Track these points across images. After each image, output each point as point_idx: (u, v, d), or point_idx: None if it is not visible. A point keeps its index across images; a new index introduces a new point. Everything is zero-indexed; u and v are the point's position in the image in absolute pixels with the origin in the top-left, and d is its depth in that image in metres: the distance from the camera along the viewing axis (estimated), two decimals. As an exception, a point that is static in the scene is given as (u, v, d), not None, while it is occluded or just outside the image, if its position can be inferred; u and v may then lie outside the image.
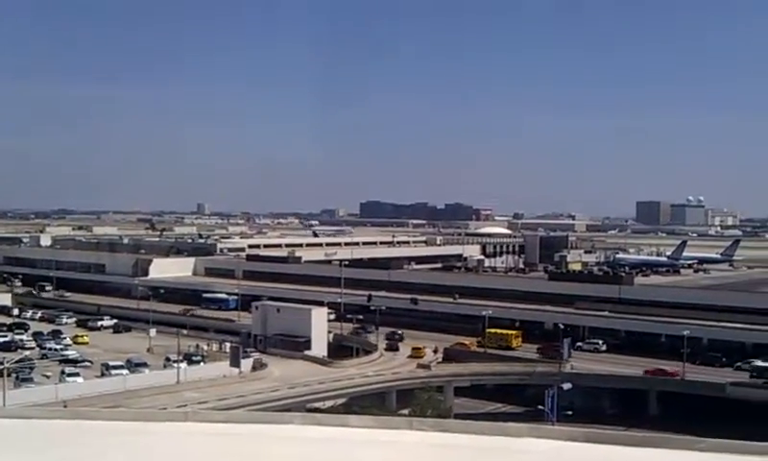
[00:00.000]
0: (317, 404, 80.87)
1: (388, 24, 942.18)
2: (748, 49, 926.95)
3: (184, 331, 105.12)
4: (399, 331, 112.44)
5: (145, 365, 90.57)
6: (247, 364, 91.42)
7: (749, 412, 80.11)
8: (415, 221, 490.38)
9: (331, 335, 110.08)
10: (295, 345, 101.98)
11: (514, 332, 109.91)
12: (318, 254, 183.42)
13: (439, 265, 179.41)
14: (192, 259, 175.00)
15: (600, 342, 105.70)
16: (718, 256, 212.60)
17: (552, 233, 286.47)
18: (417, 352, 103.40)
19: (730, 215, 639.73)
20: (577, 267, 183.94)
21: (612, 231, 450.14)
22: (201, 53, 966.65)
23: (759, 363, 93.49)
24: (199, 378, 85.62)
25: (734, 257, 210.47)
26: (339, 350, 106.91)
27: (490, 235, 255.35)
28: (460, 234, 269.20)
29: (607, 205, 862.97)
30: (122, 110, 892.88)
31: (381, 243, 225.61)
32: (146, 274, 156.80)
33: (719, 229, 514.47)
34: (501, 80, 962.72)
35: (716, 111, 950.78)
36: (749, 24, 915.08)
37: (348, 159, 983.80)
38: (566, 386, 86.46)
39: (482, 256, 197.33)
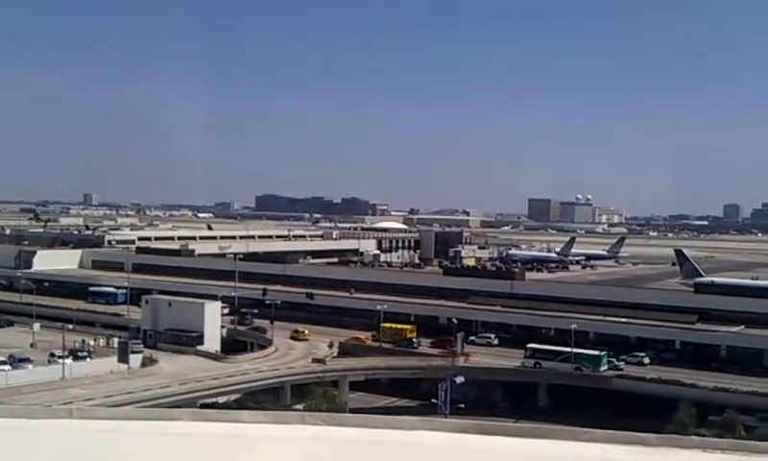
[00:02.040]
0: (210, 401, 79.58)
1: (286, 13, 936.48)
2: (635, 55, 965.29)
3: (70, 326, 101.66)
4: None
5: (28, 361, 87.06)
6: (136, 360, 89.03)
7: (633, 403, 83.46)
8: (311, 215, 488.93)
9: (225, 330, 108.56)
10: (187, 340, 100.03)
11: (408, 327, 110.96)
12: (212, 248, 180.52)
13: (335, 259, 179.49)
14: (79, 252, 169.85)
15: (492, 336, 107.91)
16: (605, 253, 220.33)
17: (447, 229, 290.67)
18: (298, 335, 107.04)
19: (616, 214, 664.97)
20: (471, 262, 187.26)
21: (505, 228, 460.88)
22: (91, 40, 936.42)
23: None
24: (85, 375, 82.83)
25: (620, 254, 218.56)
26: (233, 344, 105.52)
27: (386, 230, 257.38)
28: (356, 229, 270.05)
29: (500, 201, 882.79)
30: (3, 93, 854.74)
31: (277, 237, 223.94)
32: (29, 266, 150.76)
33: (606, 226, 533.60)
34: (397, 76, 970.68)
35: (605, 115, 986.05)
36: (638, 30, 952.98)
37: (244, 152, 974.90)
38: (459, 379, 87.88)
39: (378, 251, 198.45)
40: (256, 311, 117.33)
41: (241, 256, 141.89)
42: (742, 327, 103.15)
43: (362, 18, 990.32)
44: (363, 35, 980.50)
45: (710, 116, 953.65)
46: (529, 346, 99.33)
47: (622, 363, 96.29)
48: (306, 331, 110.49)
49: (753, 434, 70.30)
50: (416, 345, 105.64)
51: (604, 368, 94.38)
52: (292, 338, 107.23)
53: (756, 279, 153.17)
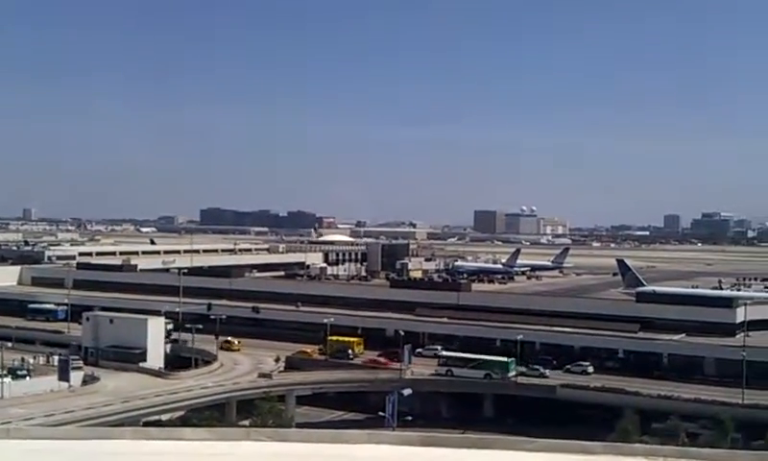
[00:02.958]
0: (153, 418, 78.24)
1: (225, 24, 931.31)
2: (576, 67, 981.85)
3: (9, 344, 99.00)
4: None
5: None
6: (77, 378, 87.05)
7: (577, 412, 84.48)
8: (257, 228, 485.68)
9: (169, 346, 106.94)
10: (129, 357, 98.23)
11: (355, 339, 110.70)
12: (155, 262, 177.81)
13: (281, 273, 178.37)
14: (18, 268, 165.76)
15: (439, 348, 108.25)
16: (549, 264, 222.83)
17: (394, 241, 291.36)
18: (230, 345, 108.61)
19: (560, 225, 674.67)
20: (418, 274, 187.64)
21: (452, 240, 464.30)
22: (31, 50, 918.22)
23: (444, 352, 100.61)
24: (24, 394, 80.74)
25: (564, 265, 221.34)
26: (177, 361, 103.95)
27: (332, 243, 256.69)
28: (303, 242, 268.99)
29: (446, 214, 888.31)
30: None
31: (222, 251, 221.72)
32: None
33: (550, 237, 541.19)
34: (341, 89, 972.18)
35: (549, 127, 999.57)
36: (579, 41, 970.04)
37: (188, 165, 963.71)
38: (407, 392, 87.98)
39: (324, 264, 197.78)
40: (201, 326, 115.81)
41: (185, 271, 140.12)
42: (683, 335, 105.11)
43: (303, 29, 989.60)
44: (303, 47, 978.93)
45: (651, 128, 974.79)
46: (441, 354, 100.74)
47: (523, 368, 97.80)
48: (237, 342, 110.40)
49: (695, 441, 71.68)
50: (351, 357, 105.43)
51: (512, 373, 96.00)
52: (222, 349, 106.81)
53: (696, 287, 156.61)
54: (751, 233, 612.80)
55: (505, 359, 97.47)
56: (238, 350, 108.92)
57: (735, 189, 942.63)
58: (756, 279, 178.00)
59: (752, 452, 7.08)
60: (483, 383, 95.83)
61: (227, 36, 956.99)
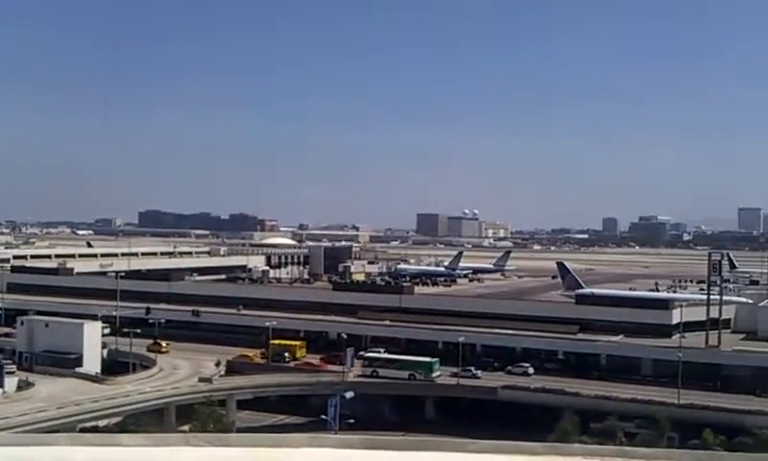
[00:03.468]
0: (89, 424, 76.65)
1: (165, 27, 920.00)
2: (513, 71, 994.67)
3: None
4: None
5: None
6: (11, 383, 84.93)
7: (519, 413, 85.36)
8: (198, 231, 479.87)
9: (106, 351, 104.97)
10: (65, 362, 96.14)
11: (298, 343, 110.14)
12: (92, 266, 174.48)
13: (223, 276, 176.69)
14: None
15: (382, 350, 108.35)
16: (491, 267, 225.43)
17: (336, 244, 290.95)
18: (159, 348, 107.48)
19: (502, 228, 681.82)
20: (360, 277, 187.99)
21: (395, 243, 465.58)
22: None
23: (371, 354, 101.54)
24: (-45, 401, 78.47)
25: (506, 267, 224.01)
26: (115, 365, 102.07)
27: (275, 246, 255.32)
28: (244, 245, 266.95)
29: (389, 217, 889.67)
30: None
31: (162, 254, 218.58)
32: None
33: (492, 240, 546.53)
34: (282, 92, 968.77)
35: (490, 131, 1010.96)
36: (518, 44, 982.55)
37: (126, 167, 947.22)
38: (349, 394, 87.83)
39: (267, 267, 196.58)
40: (139, 331, 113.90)
41: (123, 274, 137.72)
42: (621, 336, 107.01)
43: (242, 31, 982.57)
44: (241, 49, 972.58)
45: (590, 133, 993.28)
46: (365, 355, 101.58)
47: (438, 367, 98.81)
48: (165, 344, 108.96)
49: (633, 440, 73.10)
50: (288, 360, 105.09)
51: (436, 374, 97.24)
52: (149, 351, 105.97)
53: (634, 290, 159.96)
54: (686, 236, 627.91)
55: (428, 360, 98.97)
56: (167, 352, 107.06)
57: (672, 193, 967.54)
58: (691, 282, 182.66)
59: (687, 451, 7.22)
60: (426, 385, 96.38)
61: (162, 36, 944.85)
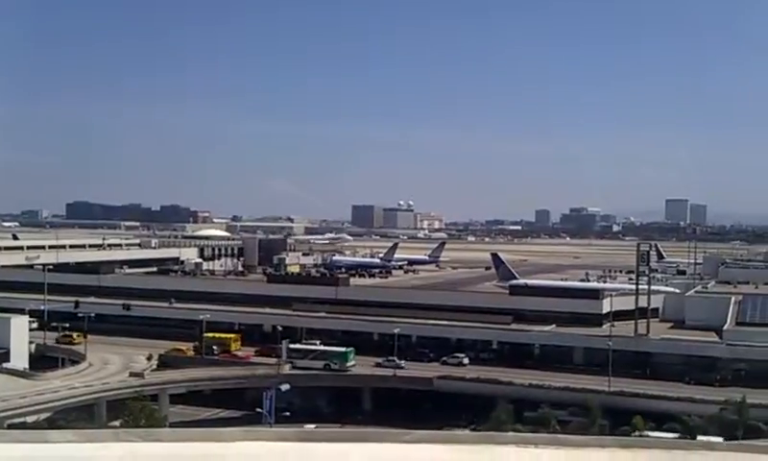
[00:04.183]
0: (17, 421, 74.72)
1: (102, 16, 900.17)
2: (449, 62, 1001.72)
3: None
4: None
5: None
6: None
7: (454, 403, 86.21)
8: (128, 223, 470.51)
9: (33, 345, 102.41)
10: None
11: (232, 336, 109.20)
12: (18, 259, 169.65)
13: (154, 269, 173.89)
14: None
15: (318, 342, 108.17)
16: (426, 258, 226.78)
17: (271, 236, 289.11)
18: (72, 339, 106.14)
19: (436, 219, 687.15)
20: (295, 269, 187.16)
21: (330, 234, 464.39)
22: None
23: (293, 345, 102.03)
24: None
25: (441, 259, 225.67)
26: (43, 361, 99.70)
27: (208, 238, 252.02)
28: (176, 237, 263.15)
29: (324, 208, 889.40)
30: None
31: (90, 246, 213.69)
32: None
33: (427, 232, 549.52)
34: (216, 83, 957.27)
35: (423, 123, 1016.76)
36: (451, 36, 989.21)
37: (53, 158, 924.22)
38: (285, 387, 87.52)
39: (200, 259, 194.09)
40: (68, 325, 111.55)
41: (51, 267, 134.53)
42: (553, 326, 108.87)
43: (180, 21, 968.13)
44: (181, 39, 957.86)
45: (523, 126, 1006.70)
46: (288, 346, 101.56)
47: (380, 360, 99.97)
48: (76, 335, 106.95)
49: (565, 428, 74.51)
50: (216, 352, 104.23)
51: (351, 363, 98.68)
52: (58, 342, 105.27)
53: (566, 280, 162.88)
54: (616, 227, 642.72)
55: (343, 350, 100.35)
56: (79, 343, 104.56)
57: (601, 185, 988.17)
58: (620, 272, 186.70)
59: (618, 438, 7.36)
60: (361, 377, 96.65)
61: (89, 26, 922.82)
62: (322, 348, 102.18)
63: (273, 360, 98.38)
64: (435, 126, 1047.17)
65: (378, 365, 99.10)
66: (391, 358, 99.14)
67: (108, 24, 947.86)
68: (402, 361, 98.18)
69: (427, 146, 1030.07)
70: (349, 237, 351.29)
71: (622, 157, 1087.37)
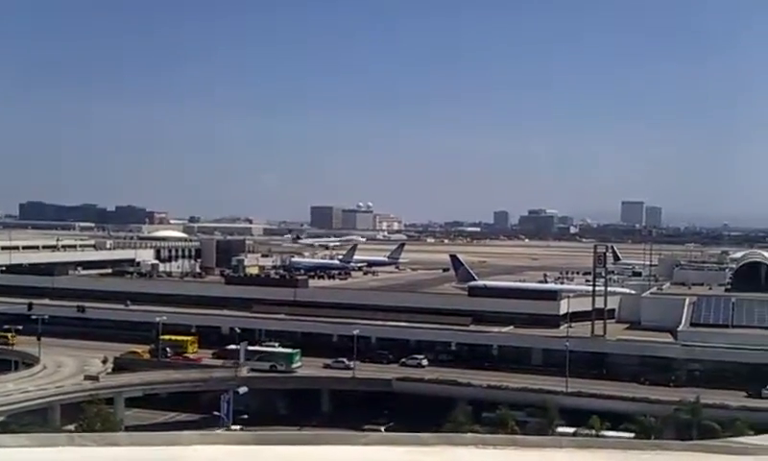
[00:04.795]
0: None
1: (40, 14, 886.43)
2: (409, 61, 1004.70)
3: None
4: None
5: None
6: None
7: (413, 404, 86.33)
8: (82, 224, 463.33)
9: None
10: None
11: (189, 338, 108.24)
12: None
13: (109, 270, 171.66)
14: None
15: (276, 344, 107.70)
16: (385, 259, 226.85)
17: (229, 237, 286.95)
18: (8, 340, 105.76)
19: (395, 221, 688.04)
20: (254, 271, 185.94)
21: (289, 235, 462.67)
22: None
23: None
24: None
25: (400, 260, 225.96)
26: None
27: (164, 239, 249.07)
28: (132, 238, 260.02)
29: (283, 209, 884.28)
30: None
31: (44, 247, 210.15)
32: None
33: (386, 233, 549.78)
34: (171, 80, 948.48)
35: (382, 123, 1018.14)
36: (413, 35, 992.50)
37: (5, 157, 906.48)
38: (242, 390, 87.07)
39: (156, 261, 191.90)
40: (21, 328, 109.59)
41: (3, 269, 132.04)
42: (512, 327, 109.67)
43: (121, 20, 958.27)
44: (126, 35, 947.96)
45: (481, 127, 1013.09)
46: (226, 347, 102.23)
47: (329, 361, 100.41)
48: (11, 336, 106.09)
49: (524, 428, 75.09)
50: (169, 355, 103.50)
51: (297, 364, 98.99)
52: None
53: (524, 281, 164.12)
54: (573, 229, 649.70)
55: (289, 351, 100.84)
56: (13, 345, 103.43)
57: (559, 187, 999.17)
58: (578, 273, 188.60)
59: (574, 438, 7.44)
60: (320, 379, 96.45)
61: (42, 24, 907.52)
62: (267, 349, 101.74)
63: (230, 362, 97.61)
64: (394, 126, 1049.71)
65: (327, 366, 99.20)
66: (340, 359, 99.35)
67: (61, 24, 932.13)
68: (351, 362, 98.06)
69: (386, 147, 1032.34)
70: (362, 239, 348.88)
71: (579, 160, 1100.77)
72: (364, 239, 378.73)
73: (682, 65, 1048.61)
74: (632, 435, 65.41)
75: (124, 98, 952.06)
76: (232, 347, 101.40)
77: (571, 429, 70.79)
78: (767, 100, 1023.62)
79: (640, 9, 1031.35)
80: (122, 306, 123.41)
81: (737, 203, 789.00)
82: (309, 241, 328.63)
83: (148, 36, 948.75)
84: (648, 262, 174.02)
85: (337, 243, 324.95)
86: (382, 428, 77.67)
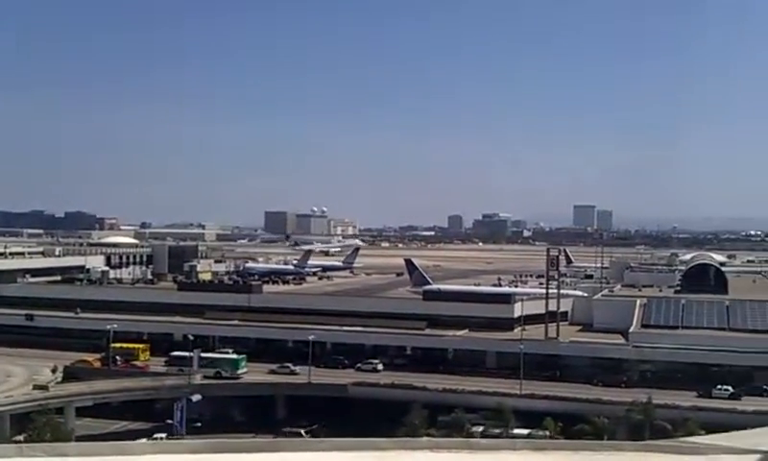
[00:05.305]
0: None
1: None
2: (354, 71, 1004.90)
3: None
4: None
5: None
6: None
7: (369, 409, 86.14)
8: (30, 230, 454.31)
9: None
10: None
11: (141, 346, 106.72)
12: None
13: (58, 278, 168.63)
14: None
15: (231, 351, 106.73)
16: (340, 264, 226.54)
17: (181, 243, 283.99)
18: None
19: (350, 225, 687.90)
20: (207, 277, 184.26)
21: (242, 241, 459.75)
22: None
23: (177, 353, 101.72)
24: None
25: (354, 265, 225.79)
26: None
27: (115, 245, 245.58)
28: (82, 244, 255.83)
29: (236, 214, 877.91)
30: None
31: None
32: None
33: (341, 238, 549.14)
34: (124, 85, 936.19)
35: (335, 127, 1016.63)
36: (366, 41, 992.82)
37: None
38: (196, 398, 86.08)
39: (107, 267, 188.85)
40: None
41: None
42: (466, 330, 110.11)
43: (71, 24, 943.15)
44: (86, 41, 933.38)
45: (435, 131, 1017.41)
46: (171, 354, 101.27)
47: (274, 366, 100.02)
48: None
49: (479, 432, 75.40)
50: (119, 363, 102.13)
51: (243, 370, 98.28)
52: None
53: (478, 285, 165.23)
54: (526, 233, 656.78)
55: (234, 357, 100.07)
56: None
57: (512, 192, 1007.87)
58: (531, 276, 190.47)
59: (529, 440, 7.47)
60: (274, 385, 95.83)
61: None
62: (212, 355, 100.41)
63: (175, 370, 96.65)
64: (349, 131, 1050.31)
65: (272, 372, 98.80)
66: (285, 365, 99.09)
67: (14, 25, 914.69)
68: (297, 367, 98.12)
69: (341, 152, 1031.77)
70: (363, 243, 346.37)
71: (533, 164, 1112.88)
72: (365, 244, 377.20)
73: (632, 71, 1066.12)
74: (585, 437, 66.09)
75: (72, 103, 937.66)
76: (177, 353, 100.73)
77: (525, 431, 71.28)
78: (715, 106, 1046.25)
79: (595, 15, 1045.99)
80: (72, 314, 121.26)
81: (686, 206, 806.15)
82: (313, 246, 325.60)
83: (92, 40, 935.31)
84: (600, 265, 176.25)
85: (338, 249, 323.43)
86: (302, 431, 78.06)
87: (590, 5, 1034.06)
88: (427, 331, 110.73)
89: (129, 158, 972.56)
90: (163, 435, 75.79)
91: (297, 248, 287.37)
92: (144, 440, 55.51)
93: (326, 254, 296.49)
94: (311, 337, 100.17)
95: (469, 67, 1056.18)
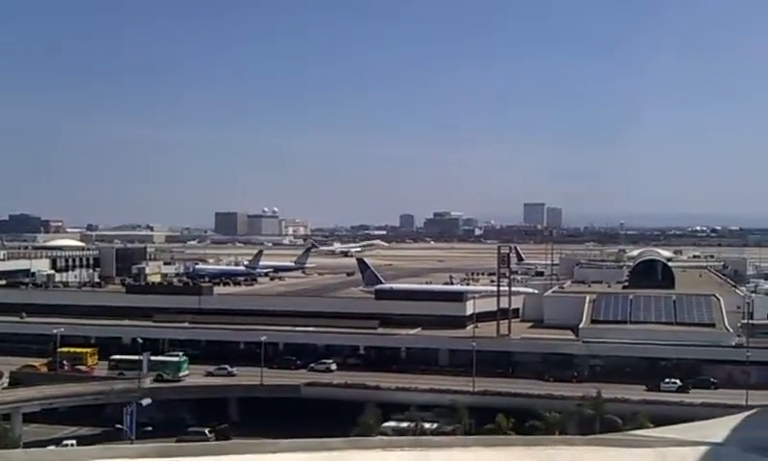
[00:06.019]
0: None
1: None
2: (317, 70, 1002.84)
3: None
4: None
5: None
6: None
7: (323, 409, 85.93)
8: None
9: None
10: None
11: (89, 350, 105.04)
12: None
13: (2, 282, 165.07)
14: None
15: (181, 353, 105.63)
16: (292, 264, 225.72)
17: (129, 245, 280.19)
18: None
19: (302, 225, 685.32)
20: (156, 279, 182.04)
21: (192, 242, 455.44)
22: None
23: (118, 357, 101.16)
24: None
25: (306, 265, 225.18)
26: None
27: (61, 248, 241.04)
28: (26, 248, 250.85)
29: (186, 216, 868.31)
30: None
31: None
32: None
33: (293, 238, 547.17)
34: (67, 86, 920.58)
35: (285, 128, 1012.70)
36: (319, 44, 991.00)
37: None
38: (146, 402, 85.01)
39: (52, 271, 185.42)
40: None
41: None
42: (419, 329, 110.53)
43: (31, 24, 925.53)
44: (33, 43, 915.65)
45: (386, 129, 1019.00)
46: (111, 358, 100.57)
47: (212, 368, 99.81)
48: None
49: (432, 429, 75.73)
50: (66, 368, 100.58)
51: (185, 373, 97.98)
52: None
53: (430, 283, 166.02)
54: (478, 231, 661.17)
55: (176, 359, 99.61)
56: None
57: (463, 191, 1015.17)
58: (483, 274, 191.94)
59: (480, 437, 7.51)
60: (227, 387, 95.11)
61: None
62: (154, 358, 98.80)
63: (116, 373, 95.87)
64: (298, 130, 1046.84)
65: (209, 374, 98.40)
66: (222, 366, 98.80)
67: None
68: (234, 368, 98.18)
69: (291, 151, 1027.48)
70: (385, 244, 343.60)
71: (483, 163, 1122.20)
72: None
73: (578, 70, 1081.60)
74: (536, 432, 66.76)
75: (15, 103, 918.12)
76: (117, 357, 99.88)
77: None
78: (660, 103, 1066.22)
79: (543, 12, 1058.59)
80: (17, 319, 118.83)
81: (632, 202, 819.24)
82: (332, 247, 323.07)
83: (41, 35, 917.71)
84: (550, 262, 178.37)
85: (357, 249, 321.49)
86: (206, 430, 77.91)
87: (530, 4, 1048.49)
88: (380, 330, 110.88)
89: (74, 160, 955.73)
90: (74, 441, 75.82)
91: (314, 250, 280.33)
92: (52, 447, 54.38)
93: (345, 255, 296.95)
94: (263, 338, 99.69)
95: (416, 66, 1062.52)
